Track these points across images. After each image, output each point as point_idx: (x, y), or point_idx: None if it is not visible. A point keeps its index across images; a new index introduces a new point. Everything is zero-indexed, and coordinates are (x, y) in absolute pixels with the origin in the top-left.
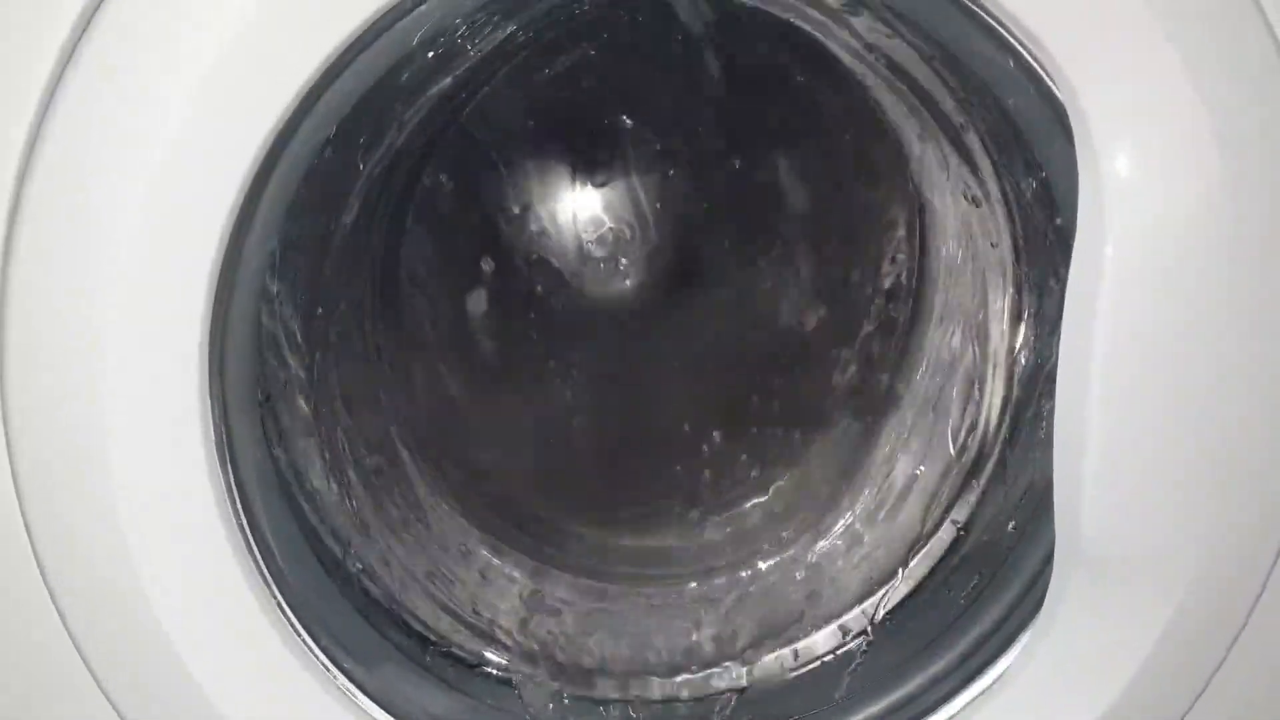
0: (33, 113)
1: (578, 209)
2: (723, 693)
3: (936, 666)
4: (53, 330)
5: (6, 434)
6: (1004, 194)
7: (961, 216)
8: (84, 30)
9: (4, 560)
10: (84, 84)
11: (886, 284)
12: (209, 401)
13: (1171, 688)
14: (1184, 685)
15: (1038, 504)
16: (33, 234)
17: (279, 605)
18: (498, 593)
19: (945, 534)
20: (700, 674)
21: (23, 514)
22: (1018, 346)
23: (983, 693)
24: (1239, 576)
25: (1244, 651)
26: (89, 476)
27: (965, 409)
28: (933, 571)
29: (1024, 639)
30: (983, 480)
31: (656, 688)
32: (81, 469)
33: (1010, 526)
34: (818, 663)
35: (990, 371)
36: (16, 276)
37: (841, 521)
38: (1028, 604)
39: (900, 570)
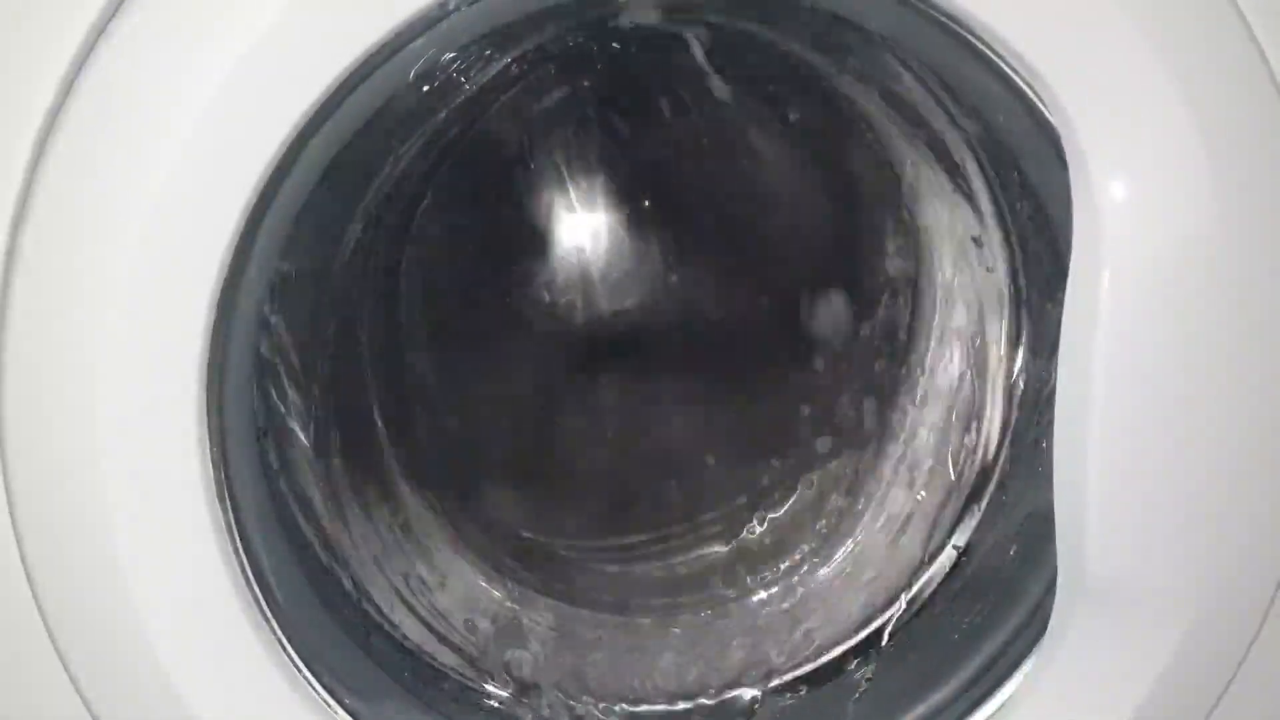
0: (32, 141)
1: (574, 239)
2: None
3: (940, 694)
4: (50, 360)
5: (3, 466)
6: (1001, 219)
7: (958, 242)
8: (87, 54)
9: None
10: (83, 112)
11: (883, 310)
12: (207, 433)
13: (1177, 715)
14: (1189, 713)
15: (1039, 529)
16: (31, 265)
17: (279, 641)
18: (501, 627)
19: (947, 560)
20: (702, 703)
21: (20, 552)
22: (1016, 371)
23: None
24: (1244, 603)
25: (1249, 678)
26: (86, 511)
27: (964, 434)
28: (935, 598)
29: (1027, 666)
30: (983, 505)
31: (657, 717)
32: (78, 502)
33: (1012, 551)
34: (820, 691)
35: (989, 396)
36: (15, 308)
37: (842, 549)
38: (1031, 630)
39: (902, 596)
